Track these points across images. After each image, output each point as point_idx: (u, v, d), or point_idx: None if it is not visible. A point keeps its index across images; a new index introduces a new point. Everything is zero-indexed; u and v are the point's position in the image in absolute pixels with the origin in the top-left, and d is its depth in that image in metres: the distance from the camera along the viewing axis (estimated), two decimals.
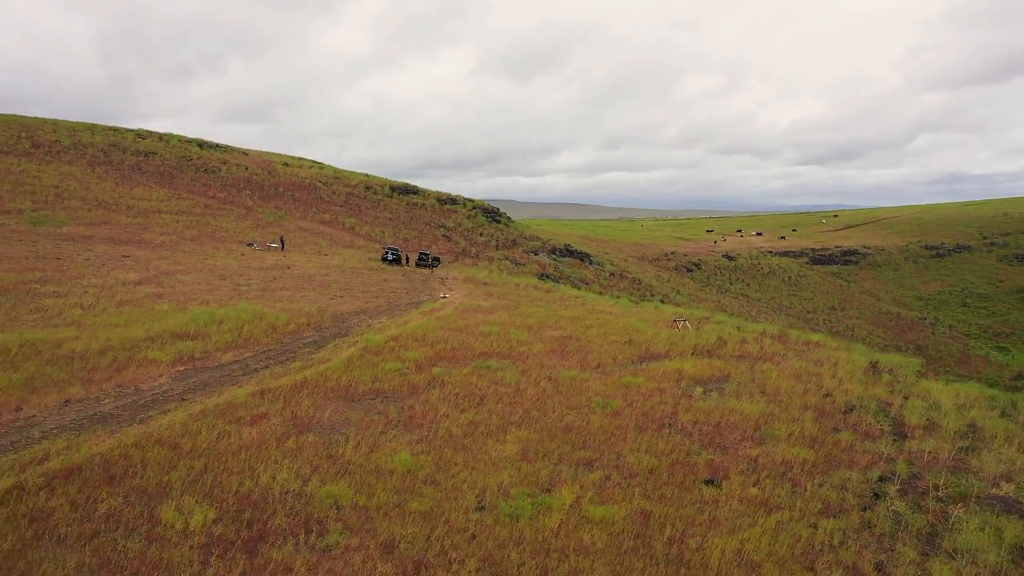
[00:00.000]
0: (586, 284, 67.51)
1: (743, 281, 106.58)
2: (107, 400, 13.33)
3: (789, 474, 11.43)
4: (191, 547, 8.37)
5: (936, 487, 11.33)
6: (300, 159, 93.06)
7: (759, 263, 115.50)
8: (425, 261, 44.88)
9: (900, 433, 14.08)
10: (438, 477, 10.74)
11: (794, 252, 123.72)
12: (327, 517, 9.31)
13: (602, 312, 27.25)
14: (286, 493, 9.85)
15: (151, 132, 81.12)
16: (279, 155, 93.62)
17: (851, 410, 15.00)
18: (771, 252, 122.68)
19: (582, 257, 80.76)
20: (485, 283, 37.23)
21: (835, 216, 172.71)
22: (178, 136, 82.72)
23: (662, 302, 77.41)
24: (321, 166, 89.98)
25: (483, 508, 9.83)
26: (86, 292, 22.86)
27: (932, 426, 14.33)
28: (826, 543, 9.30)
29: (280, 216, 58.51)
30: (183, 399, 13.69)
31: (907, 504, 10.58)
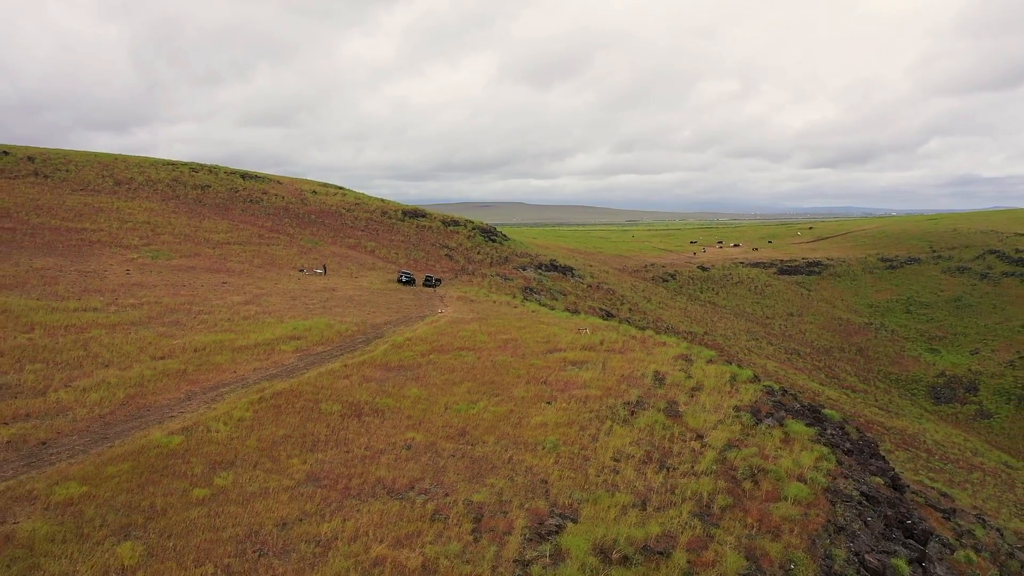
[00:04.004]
0: (563, 295, 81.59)
1: (713, 290, 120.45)
2: (272, 368, 27.84)
3: (585, 400, 25.70)
4: (336, 416, 22.73)
5: (625, 404, 25.59)
6: (325, 185, 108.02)
7: (730, 273, 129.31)
8: (430, 282, 59.52)
9: (660, 386, 28.34)
10: (429, 399, 25.09)
11: (764, 263, 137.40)
12: (384, 410, 23.66)
13: (542, 323, 41.57)
14: (365, 402, 24.21)
15: (201, 165, 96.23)
16: (307, 181, 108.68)
17: (642, 376, 29.26)
18: (743, 263, 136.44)
19: (564, 271, 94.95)
20: (472, 300, 51.76)
21: (810, 228, 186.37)
22: (224, 168, 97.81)
23: (630, 311, 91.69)
24: (344, 192, 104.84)
25: (447, 408, 24.19)
26: (220, 311, 37.47)
27: (678, 384, 28.59)
28: (579, 420, 23.56)
29: (315, 242, 73.26)
30: (306, 369, 28.16)
31: (626, 410, 24.86)
